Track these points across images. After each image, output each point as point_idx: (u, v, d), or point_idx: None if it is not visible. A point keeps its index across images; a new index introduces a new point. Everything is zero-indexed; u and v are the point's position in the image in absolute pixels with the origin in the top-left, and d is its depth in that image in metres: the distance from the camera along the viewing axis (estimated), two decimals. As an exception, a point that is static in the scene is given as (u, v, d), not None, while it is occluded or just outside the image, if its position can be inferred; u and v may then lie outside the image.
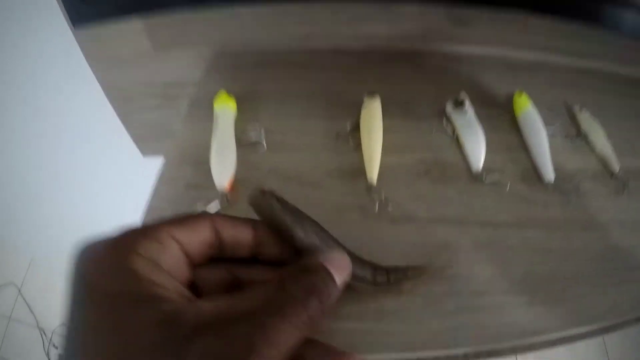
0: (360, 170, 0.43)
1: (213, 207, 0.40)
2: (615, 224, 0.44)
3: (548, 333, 0.38)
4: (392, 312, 0.34)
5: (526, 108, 0.49)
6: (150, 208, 0.40)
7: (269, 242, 0.26)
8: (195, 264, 0.23)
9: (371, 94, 0.47)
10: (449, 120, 0.47)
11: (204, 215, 0.24)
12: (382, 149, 0.44)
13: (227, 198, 0.40)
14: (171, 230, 0.21)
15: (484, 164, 0.44)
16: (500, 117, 0.50)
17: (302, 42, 0.57)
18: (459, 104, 0.46)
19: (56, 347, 1.28)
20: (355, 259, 0.32)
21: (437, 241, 0.39)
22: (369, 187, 0.41)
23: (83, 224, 0.89)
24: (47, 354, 1.29)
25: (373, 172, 0.41)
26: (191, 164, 0.44)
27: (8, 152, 0.79)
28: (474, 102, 0.49)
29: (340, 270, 0.22)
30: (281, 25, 0.58)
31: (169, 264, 0.20)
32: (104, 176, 0.87)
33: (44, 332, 1.33)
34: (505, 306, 0.37)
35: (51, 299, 1.33)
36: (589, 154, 0.49)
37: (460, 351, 0.35)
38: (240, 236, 0.25)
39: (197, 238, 0.23)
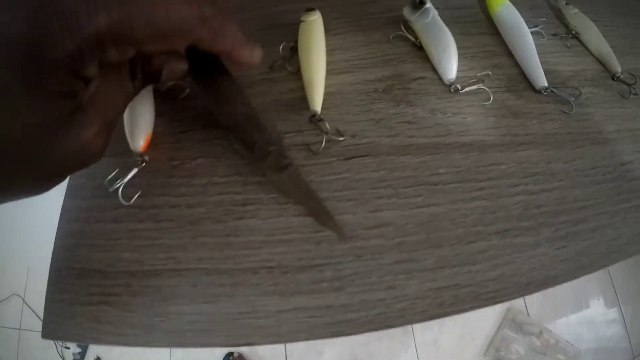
0: (301, 100, 0.32)
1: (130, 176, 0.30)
2: (626, 133, 0.35)
3: (560, 281, 0.29)
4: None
5: (502, 4, 0.38)
6: (69, 187, 0.31)
7: None
8: None
9: (309, 10, 0.35)
10: (408, 27, 0.36)
11: None
12: (329, 71, 0.33)
13: (143, 159, 0.30)
14: None
15: (459, 74, 0.34)
16: (471, 17, 0.39)
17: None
18: (418, 5, 0.36)
19: (68, 348, 1.29)
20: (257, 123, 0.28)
21: (406, 177, 0.29)
22: (312, 118, 0.30)
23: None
24: (62, 356, 1.30)
25: (315, 98, 0.31)
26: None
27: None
28: (437, 2, 0.39)
29: None
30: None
31: None
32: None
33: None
34: (505, 251, 0.28)
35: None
36: (584, 54, 0.39)
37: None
38: None
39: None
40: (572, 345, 1.13)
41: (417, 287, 0.27)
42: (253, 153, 0.29)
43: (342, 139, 0.30)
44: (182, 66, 0.26)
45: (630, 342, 1.16)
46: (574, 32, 0.40)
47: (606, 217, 0.31)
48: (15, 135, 0.17)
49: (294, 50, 0.35)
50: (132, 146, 0.30)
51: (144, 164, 0.31)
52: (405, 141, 0.31)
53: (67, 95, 0.19)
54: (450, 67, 0.33)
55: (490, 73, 0.34)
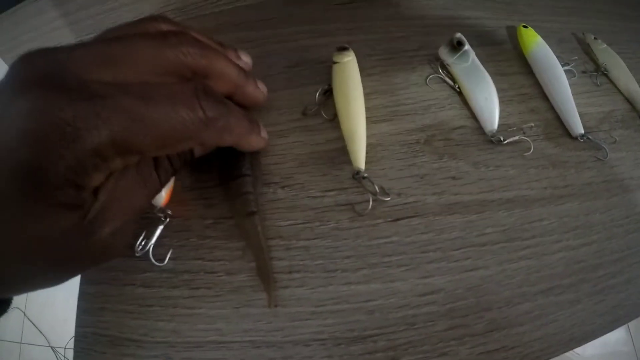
0: (341, 151, 0.31)
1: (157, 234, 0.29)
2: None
3: (598, 335, 0.30)
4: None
5: (535, 43, 0.38)
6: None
7: None
8: None
9: (342, 48, 0.34)
10: (444, 67, 0.36)
11: None
12: (368, 119, 0.32)
13: (166, 214, 0.29)
14: None
15: (498, 120, 0.33)
16: (504, 55, 0.39)
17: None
18: (456, 47, 0.35)
19: (70, 361, 1.30)
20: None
21: (454, 239, 0.29)
22: (356, 176, 0.29)
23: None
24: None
25: (358, 154, 0.30)
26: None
27: None
28: (471, 40, 0.38)
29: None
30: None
31: None
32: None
33: (56, 350, 1.32)
34: (548, 309, 0.28)
35: (54, 315, 1.33)
36: (613, 92, 0.40)
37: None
38: None
39: None
40: (578, 354, 1.17)
41: (468, 352, 0.27)
42: (230, 189, 0.29)
43: (388, 199, 0.29)
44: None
45: (634, 346, 1.21)
46: (602, 70, 0.40)
47: (639, 266, 0.32)
48: (21, 246, 0.18)
49: (328, 94, 0.34)
50: (153, 201, 0.29)
51: (167, 220, 0.29)
52: (452, 199, 0.30)
53: (72, 207, 0.18)
54: (493, 118, 0.33)
55: (533, 125, 0.34)
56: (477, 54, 0.37)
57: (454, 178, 0.31)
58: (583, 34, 0.42)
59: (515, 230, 0.30)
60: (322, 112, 0.33)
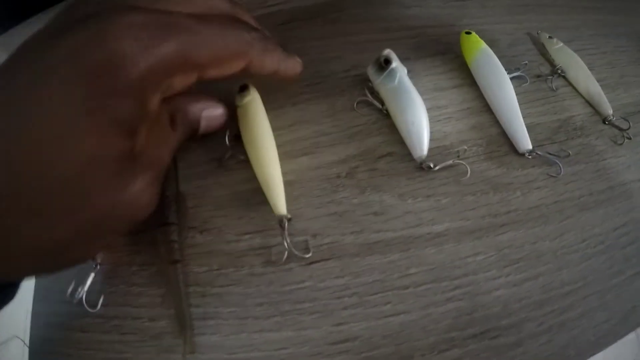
0: (258, 191, 0.29)
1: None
2: (618, 189, 0.32)
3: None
4: None
5: (478, 50, 0.35)
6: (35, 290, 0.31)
7: None
8: None
9: (242, 87, 0.31)
10: (373, 90, 0.33)
11: None
12: (287, 153, 0.30)
13: (96, 262, 0.29)
14: None
15: (432, 144, 0.31)
16: (446, 66, 0.36)
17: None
18: (384, 64, 0.32)
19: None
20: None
21: (372, 282, 0.27)
22: (282, 223, 0.27)
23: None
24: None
25: (277, 200, 0.28)
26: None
27: None
28: (409, 53, 0.35)
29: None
30: None
31: None
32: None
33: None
34: (481, 356, 0.26)
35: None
36: (571, 96, 0.36)
37: None
38: None
39: None
40: None
41: (386, 407, 0.25)
42: (155, 236, 0.28)
43: (308, 255, 0.27)
44: (219, 111, 0.28)
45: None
46: (559, 72, 0.36)
47: (596, 298, 0.29)
48: (66, 167, 0.17)
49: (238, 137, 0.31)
50: None
51: (98, 267, 0.29)
52: (372, 237, 0.28)
53: (126, 132, 0.19)
54: (421, 143, 0.30)
55: (466, 148, 0.31)
56: (414, 69, 0.34)
57: (375, 214, 0.29)
58: (538, 33, 0.39)
59: (444, 268, 0.28)
60: (239, 155, 0.31)
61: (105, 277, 0.29)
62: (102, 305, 0.28)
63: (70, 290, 0.28)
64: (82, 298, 0.28)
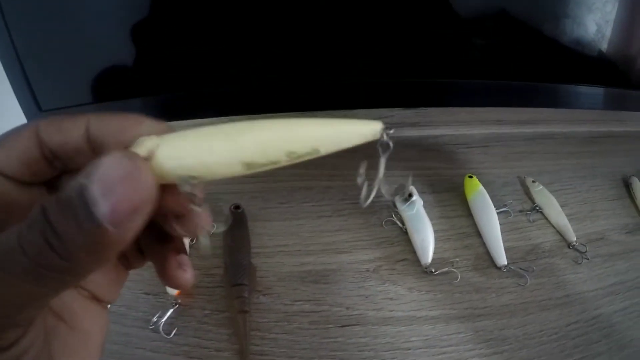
0: (308, 273, 0.46)
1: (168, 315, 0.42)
2: (575, 297, 0.46)
3: None
4: None
5: (476, 191, 0.52)
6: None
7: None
8: (23, 181, 0.19)
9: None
10: (397, 213, 0.50)
11: (24, 126, 0.19)
12: (333, 250, 0.48)
13: (177, 303, 0.43)
14: None
15: (434, 256, 0.47)
16: (451, 201, 0.53)
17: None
18: (407, 198, 0.50)
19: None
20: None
21: (385, 343, 0.42)
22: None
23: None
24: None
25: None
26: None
27: None
28: (425, 188, 0.52)
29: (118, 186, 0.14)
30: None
31: None
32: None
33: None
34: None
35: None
36: (545, 227, 0.51)
37: None
38: (68, 137, 0.18)
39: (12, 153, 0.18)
40: None
41: None
42: (231, 290, 0.42)
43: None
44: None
45: None
46: (537, 208, 0.52)
47: (548, 375, 0.42)
48: None
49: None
50: (169, 290, 0.43)
51: (177, 306, 0.43)
52: (387, 314, 0.43)
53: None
54: (427, 254, 0.46)
55: (458, 260, 0.47)
56: (428, 200, 0.51)
57: (391, 299, 0.44)
58: (524, 177, 0.55)
59: (435, 339, 0.42)
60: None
61: (179, 314, 0.42)
62: (174, 334, 0.40)
63: (154, 319, 0.40)
64: (160, 326, 0.40)
